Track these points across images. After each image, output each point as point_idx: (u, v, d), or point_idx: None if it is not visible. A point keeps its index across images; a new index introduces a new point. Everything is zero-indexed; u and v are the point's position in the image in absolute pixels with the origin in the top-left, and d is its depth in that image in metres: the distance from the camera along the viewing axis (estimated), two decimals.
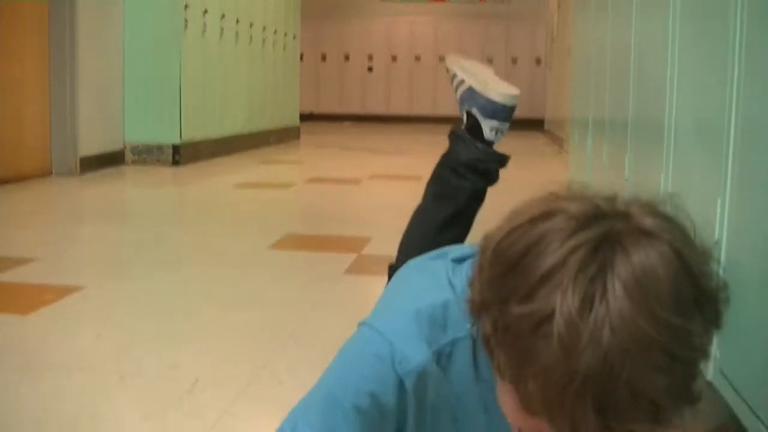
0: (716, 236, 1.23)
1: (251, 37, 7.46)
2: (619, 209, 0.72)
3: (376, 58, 12.73)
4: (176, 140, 5.95)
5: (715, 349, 1.22)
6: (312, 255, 3.08)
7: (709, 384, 1.23)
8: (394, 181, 5.44)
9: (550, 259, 0.69)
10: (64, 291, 2.43)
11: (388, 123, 12.04)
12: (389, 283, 1.11)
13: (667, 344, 0.66)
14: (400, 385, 0.92)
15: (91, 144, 5.35)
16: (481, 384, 0.96)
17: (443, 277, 0.97)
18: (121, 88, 5.83)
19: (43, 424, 1.51)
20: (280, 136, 8.35)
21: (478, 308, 0.76)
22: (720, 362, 1.20)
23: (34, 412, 1.57)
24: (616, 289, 0.66)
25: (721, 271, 0.72)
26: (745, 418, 1.06)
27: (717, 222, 1.23)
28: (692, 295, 0.68)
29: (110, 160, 5.64)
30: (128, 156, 5.88)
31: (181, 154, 5.96)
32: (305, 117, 9.86)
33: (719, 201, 1.23)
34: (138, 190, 5.06)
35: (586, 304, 0.66)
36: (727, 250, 1.21)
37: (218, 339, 2.04)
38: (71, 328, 2.11)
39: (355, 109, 12.68)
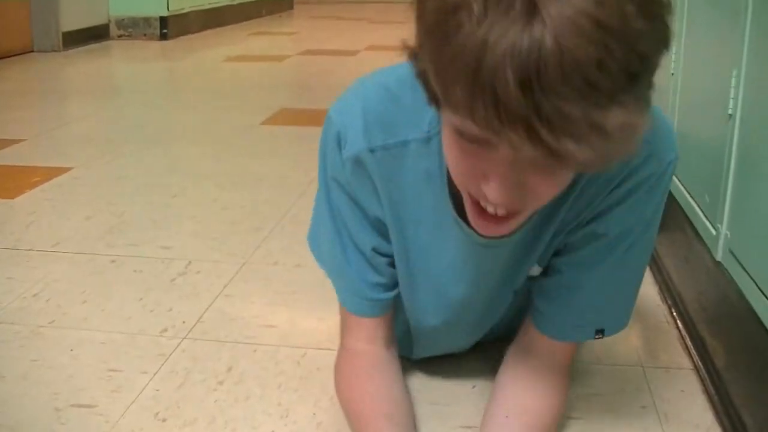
0: (731, 110, 1.20)
1: None
2: None
3: None
4: (163, 12, 5.82)
5: (724, 229, 1.21)
6: (308, 130, 3.05)
7: (718, 264, 1.22)
8: (392, 52, 5.35)
9: None
10: (52, 172, 2.41)
11: None
12: None
13: (602, 16, 0.62)
14: (344, 167, 1.00)
15: (73, 18, 5.24)
16: (435, 191, 0.99)
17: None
18: None
19: (32, 306, 1.51)
20: (273, 7, 8.18)
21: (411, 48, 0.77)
22: (729, 241, 1.19)
23: (23, 295, 1.57)
24: None
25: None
26: (753, 297, 1.06)
27: (732, 94, 1.20)
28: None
29: (94, 34, 5.53)
30: (113, 30, 5.77)
31: (169, 27, 5.85)
32: None
33: (735, 72, 1.20)
34: (125, 65, 4.98)
35: None
36: (741, 123, 1.18)
37: (211, 219, 2.03)
38: (61, 211, 2.10)
39: None
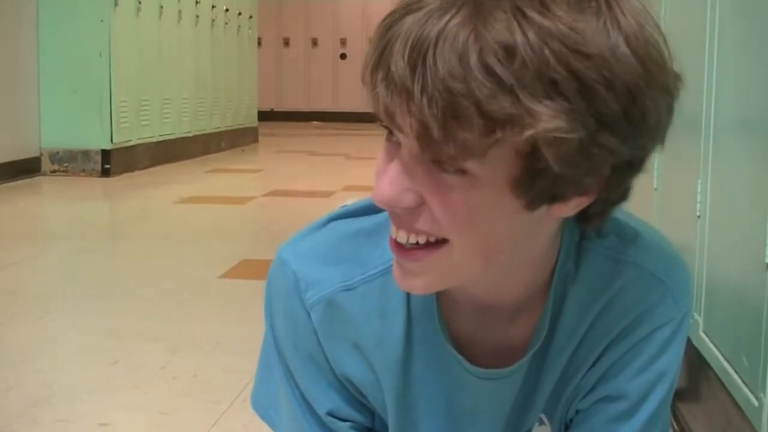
0: (767, 258, 1.24)
1: (197, 16, 7.45)
2: None
3: (350, 43, 12.74)
4: (106, 144, 5.90)
5: (767, 398, 1.23)
6: None
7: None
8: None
9: None
10: None
11: (365, 123, 12.03)
12: None
13: (549, 24, 0.71)
14: (309, 317, 1.01)
15: None
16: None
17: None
18: (36, 81, 5.79)
19: None
20: (234, 139, 8.33)
21: None
22: None
23: None
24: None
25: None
26: None
27: None
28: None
29: (23, 169, 5.59)
30: (46, 164, 5.83)
31: (112, 162, 5.91)
32: (264, 115, 9.84)
33: None
34: (58, 205, 5.03)
35: None
36: None
37: (158, 390, 2.02)
38: None
39: (325, 105, 12.67)
